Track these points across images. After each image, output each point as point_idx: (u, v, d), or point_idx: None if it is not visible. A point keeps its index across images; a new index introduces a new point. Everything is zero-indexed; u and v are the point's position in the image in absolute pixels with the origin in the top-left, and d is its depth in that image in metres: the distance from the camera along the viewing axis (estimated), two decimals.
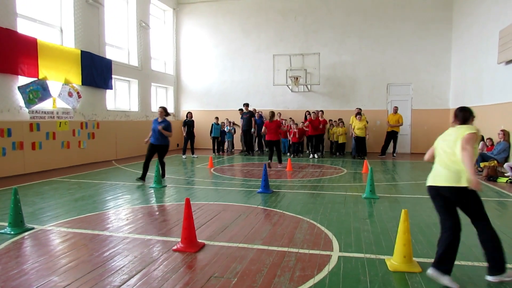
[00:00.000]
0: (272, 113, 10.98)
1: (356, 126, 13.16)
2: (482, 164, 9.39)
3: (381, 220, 5.31)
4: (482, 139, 10.62)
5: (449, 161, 3.26)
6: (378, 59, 15.75)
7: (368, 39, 15.81)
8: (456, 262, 3.66)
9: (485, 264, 3.38)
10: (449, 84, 15.13)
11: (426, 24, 15.20)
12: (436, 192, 3.34)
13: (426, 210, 5.88)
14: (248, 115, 14.71)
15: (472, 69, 12.84)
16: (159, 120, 8.44)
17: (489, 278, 3.24)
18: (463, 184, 3.14)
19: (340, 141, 14.55)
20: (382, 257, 3.86)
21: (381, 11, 15.67)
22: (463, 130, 3.25)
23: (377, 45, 15.73)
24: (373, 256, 3.90)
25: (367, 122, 13.96)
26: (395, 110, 14.06)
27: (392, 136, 14.01)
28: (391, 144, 14.22)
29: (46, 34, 10.77)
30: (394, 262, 3.59)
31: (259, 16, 16.92)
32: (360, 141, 13.32)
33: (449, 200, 3.27)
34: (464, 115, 3.41)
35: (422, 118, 15.31)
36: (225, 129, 15.58)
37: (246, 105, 15.22)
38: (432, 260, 3.38)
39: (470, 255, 3.94)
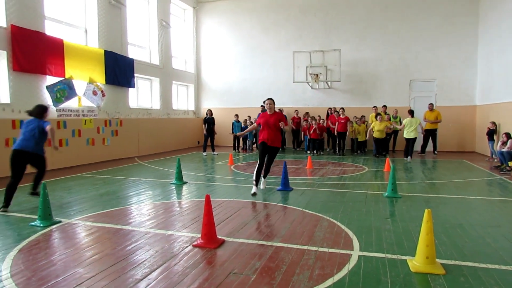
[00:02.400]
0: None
1: (376, 128, 12.68)
2: (510, 163, 9.07)
3: (403, 219, 5.21)
4: (510, 137, 10.23)
5: None
6: (401, 54, 15.41)
7: (390, 34, 15.50)
8: (482, 265, 3.58)
9: None
10: (476, 80, 14.65)
11: (451, 17, 14.75)
12: None
13: (450, 210, 5.74)
14: None
15: (500, 64, 12.38)
16: None
17: None
18: None
19: (361, 139, 14.31)
20: (403, 257, 3.79)
21: (403, 6, 15.31)
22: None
23: (399, 40, 15.39)
24: (394, 256, 3.83)
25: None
26: (431, 107, 13.55)
27: (430, 134, 13.50)
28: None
29: (71, 35, 11.10)
30: (416, 263, 3.51)
31: (278, 13, 16.85)
32: (379, 142, 13.01)
33: None
34: None
35: (447, 115, 14.86)
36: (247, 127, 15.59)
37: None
38: (456, 262, 3.29)
39: (498, 258, 3.81)
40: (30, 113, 6.01)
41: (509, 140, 10.14)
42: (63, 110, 10.29)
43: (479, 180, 8.52)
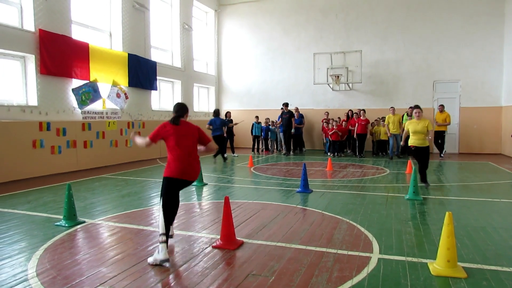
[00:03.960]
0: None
1: (391, 121, 12.92)
2: None
3: (424, 222, 5.12)
4: None
5: None
6: (423, 55, 15.11)
7: (412, 34, 15.22)
8: (505, 269, 3.50)
9: None
10: (501, 80, 14.19)
11: (475, 17, 14.36)
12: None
13: (473, 213, 5.60)
14: (288, 115, 14.47)
15: None
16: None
17: None
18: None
19: (382, 138, 14.06)
20: (424, 260, 3.74)
21: (425, 5, 15.01)
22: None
23: (421, 41, 15.10)
24: (415, 259, 3.79)
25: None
26: (441, 108, 13.30)
27: (439, 136, 13.29)
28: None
29: (96, 38, 11.44)
30: (437, 266, 3.46)
31: (299, 14, 16.83)
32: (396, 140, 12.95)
33: None
34: None
35: (472, 116, 14.50)
36: (269, 128, 15.60)
37: (286, 104, 14.41)
38: (478, 266, 3.22)
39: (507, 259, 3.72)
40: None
41: None
42: (88, 112, 10.61)
43: (503, 183, 8.26)
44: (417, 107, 7.56)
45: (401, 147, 12.09)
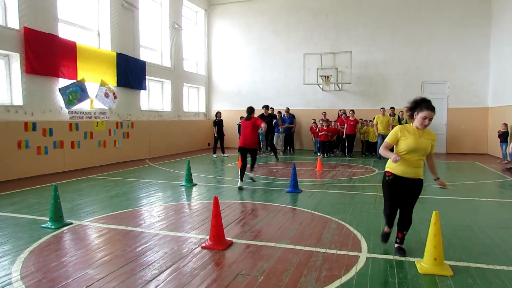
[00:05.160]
0: (251, 109, 8.50)
1: (379, 121, 13.11)
2: None
3: (412, 221, 5.16)
4: None
5: None
6: (412, 56, 15.29)
7: (401, 36, 15.39)
8: (490, 266, 3.55)
9: None
10: (488, 82, 14.44)
11: (463, 19, 14.59)
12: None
13: (460, 212, 5.67)
14: (269, 120, 13.37)
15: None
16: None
17: None
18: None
19: (371, 140, 14.22)
20: (412, 259, 3.77)
21: (414, 7, 15.19)
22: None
23: (410, 42, 15.27)
24: (402, 258, 3.82)
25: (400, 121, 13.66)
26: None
27: None
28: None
29: (84, 37, 11.28)
30: (424, 264, 3.50)
31: (290, 15, 16.87)
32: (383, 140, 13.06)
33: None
34: None
35: (459, 117, 14.72)
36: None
37: (266, 107, 13.00)
38: (464, 264, 3.28)
39: (506, 259, 3.77)
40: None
41: None
42: (75, 112, 10.46)
43: (490, 182, 8.40)
44: (428, 107, 3.83)
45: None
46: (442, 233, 4.42)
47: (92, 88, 11.04)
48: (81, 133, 10.55)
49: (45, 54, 9.40)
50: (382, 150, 3.87)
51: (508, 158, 11.06)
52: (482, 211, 5.81)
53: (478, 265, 3.62)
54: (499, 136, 11.58)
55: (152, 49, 14.67)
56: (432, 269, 3.42)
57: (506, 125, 11.51)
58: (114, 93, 11.69)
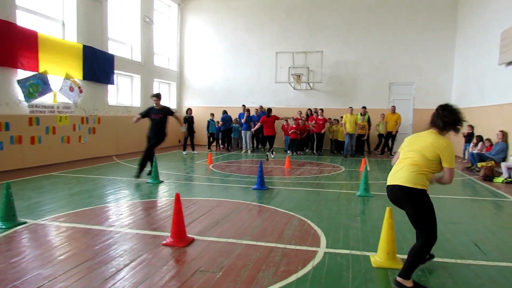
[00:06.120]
0: (270, 110, 12.61)
1: (347, 120, 13.39)
2: (479, 164, 9.37)
3: (372, 218, 5.34)
4: (481, 139, 10.59)
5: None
6: (381, 58, 15.70)
7: (371, 38, 15.77)
8: (439, 259, 3.72)
9: (467, 261, 3.40)
10: (452, 84, 15.06)
11: (430, 24, 15.13)
12: None
13: None
14: (162, 114, 13.81)
15: (474, 70, 12.78)
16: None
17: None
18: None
19: (340, 139, 14.49)
20: (367, 253, 3.89)
21: (385, 10, 15.61)
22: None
23: (380, 44, 15.68)
24: (358, 252, 3.94)
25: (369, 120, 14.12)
26: (393, 110, 14.13)
27: (390, 135, 14.07)
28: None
29: (47, 27, 10.81)
30: (378, 258, 3.63)
31: (263, 13, 16.92)
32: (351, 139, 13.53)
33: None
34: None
35: (424, 117, 15.01)
36: (232, 125, 15.58)
37: (157, 96, 13.44)
38: None
39: (454, 253, 3.96)
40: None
41: (480, 143, 10.48)
42: (36, 106, 10.03)
43: None
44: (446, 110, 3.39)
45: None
46: (399, 228, 4.60)
47: (55, 81, 10.64)
48: (42, 128, 10.14)
49: (1, 43, 8.87)
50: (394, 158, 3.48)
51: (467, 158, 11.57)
52: (440, 208, 6.02)
53: None
54: (465, 136, 12.03)
55: (121, 43, 14.33)
56: (385, 262, 3.55)
57: (471, 126, 12.00)
58: (79, 87, 11.33)
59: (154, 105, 8.33)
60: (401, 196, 3.12)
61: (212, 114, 15.46)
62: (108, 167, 10.29)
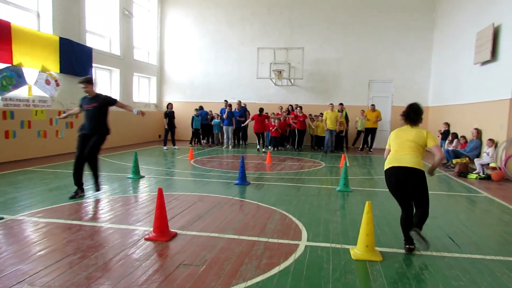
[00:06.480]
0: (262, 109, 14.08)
1: (328, 116, 13.59)
2: (454, 161, 9.70)
3: (351, 212, 5.47)
4: (456, 137, 10.95)
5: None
6: (361, 56, 15.97)
7: (352, 35, 16.00)
8: (416, 252, 3.87)
9: (442, 254, 3.55)
10: (429, 83, 15.49)
11: (409, 23, 15.49)
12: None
13: (395, 204, 6.04)
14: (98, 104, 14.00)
15: (450, 69, 13.17)
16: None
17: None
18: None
19: (320, 134, 14.67)
20: (347, 246, 4.00)
21: (365, 9, 15.86)
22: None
23: (360, 42, 15.94)
24: (338, 245, 4.04)
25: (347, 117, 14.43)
26: (373, 108, 14.46)
27: (371, 132, 14.41)
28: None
29: (21, 18, 10.45)
30: (357, 251, 3.74)
31: (244, 8, 16.88)
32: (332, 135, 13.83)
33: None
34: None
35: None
36: (213, 122, 15.53)
37: (87, 80, 13.92)
38: (394, 250, 3.56)
39: (430, 246, 4.11)
40: None
41: (455, 140, 10.84)
42: (10, 99, 9.70)
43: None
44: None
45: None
46: (377, 222, 4.75)
47: (31, 74, 10.33)
48: (17, 122, 9.81)
49: None
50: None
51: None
52: None
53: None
54: (441, 133, 12.39)
55: (100, 35, 14.02)
56: (364, 255, 3.66)
57: (447, 124, 12.38)
58: (56, 80, 11.03)
59: (86, 94, 6.29)
60: (410, 174, 3.81)
61: (197, 110, 15.31)
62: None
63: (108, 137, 6.41)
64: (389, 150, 4.14)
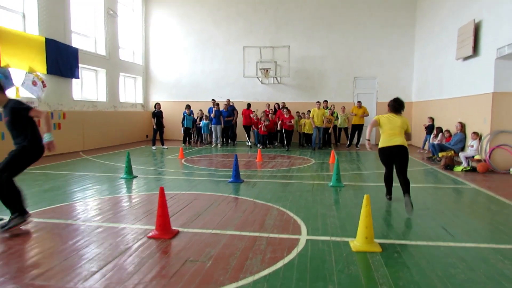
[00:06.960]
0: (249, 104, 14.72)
1: (315, 114, 13.77)
2: (440, 154, 10.01)
3: (346, 206, 5.64)
4: (441, 131, 11.28)
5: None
6: (346, 53, 16.22)
7: (336, 33, 16.23)
8: (413, 242, 4.04)
9: (437, 243, 3.74)
10: (412, 79, 15.85)
11: (391, 20, 15.81)
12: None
13: (386, 199, 6.26)
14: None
15: (433, 65, 13.53)
16: None
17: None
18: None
19: (308, 131, 14.84)
20: (346, 239, 4.15)
21: (348, 6, 16.10)
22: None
23: (344, 40, 16.18)
24: (338, 238, 4.18)
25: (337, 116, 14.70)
26: (359, 104, 14.79)
27: (357, 128, 14.73)
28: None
29: (6, 19, 10.29)
30: (357, 243, 3.88)
31: (229, 7, 16.91)
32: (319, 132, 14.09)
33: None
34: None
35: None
36: (201, 123, 15.51)
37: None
38: (391, 241, 3.72)
39: (425, 236, 4.31)
40: None
41: (440, 134, 11.17)
42: None
43: (413, 170, 9.29)
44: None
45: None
46: (374, 215, 4.89)
47: (18, 75, 10.16)
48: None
49: None
50: (368, 132, 5.94)
51: (427, 148, 12.31)
52: None
53: (403, 242, 4.11)
54: (426, 128, 12.73)
55: (85, 36, 13.85)
56: (364, 246, 3.81)
57: (431, 118, 12.73)
58: (43, 81, 10.89)
59: None
60: (401, 151, 5.38)
61: (188, 106, 15.25)
62: (76, 163, 10.01)
63: (41, 154, 5.08)
64: (375, 123, 5.66)
